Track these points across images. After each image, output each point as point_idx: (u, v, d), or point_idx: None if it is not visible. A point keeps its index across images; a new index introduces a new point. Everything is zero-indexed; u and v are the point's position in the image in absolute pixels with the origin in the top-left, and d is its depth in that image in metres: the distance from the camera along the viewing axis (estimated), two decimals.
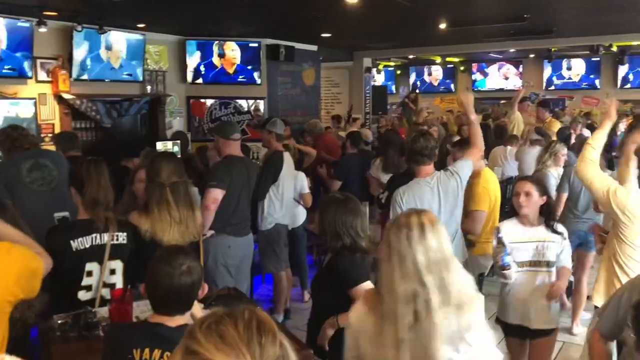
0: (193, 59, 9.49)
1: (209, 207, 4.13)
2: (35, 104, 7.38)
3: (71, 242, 2.85)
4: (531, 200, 3.29)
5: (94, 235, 2.91)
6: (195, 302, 2.13)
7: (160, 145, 8.36)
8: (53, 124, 7.60)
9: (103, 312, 2.79)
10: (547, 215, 3.34)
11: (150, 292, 2.04)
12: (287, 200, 5.27)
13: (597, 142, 3.38)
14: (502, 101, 12.39)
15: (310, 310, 3.08)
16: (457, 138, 5.96)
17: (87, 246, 2.89)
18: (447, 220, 3.69)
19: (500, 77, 15.94)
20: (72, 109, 7.76)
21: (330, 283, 2.85)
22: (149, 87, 8.87)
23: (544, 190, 3.34)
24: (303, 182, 5.68)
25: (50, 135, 7.48)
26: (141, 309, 2.76)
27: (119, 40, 8.19)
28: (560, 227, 3.36)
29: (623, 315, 2.27)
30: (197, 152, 6.77)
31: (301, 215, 5.78)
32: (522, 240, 3.29)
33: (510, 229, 3.35)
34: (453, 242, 3.65)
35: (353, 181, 6.19)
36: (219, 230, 4.33)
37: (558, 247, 3.31)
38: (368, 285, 2.75)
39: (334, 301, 2.79)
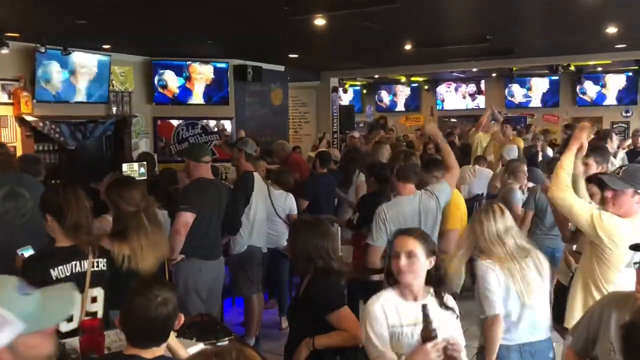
0: (159, 80, 9.41)
1: (179, 232, 4.05)
2: None
3: (51, 270, 2.73)
4: (416, 264, 2.41)
5: (74, 262, 2.80)
6: (171, 332, 2.09)
7: (126, 167, 8.24)
8: (14, 147, 7.39)
9: (73, 343, 2.69)
10: (435, 283, 2.51)
11: (126, 324, 1.99)
12: (259, 222, 5.20)
13: (566, 165, 3.19)
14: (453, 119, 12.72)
15: (288, 335, 3.05)
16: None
17: (68, 274, 2.77)
18: None
19: (459, 96, 16.32)
20: (35, 131, 7.58)
21: (308, 309, 2.83)
22: (114, 108, 8.76)
23: (432, 248, 2.50)
24: (292, 203, 5.64)
25: None
26: (112, 339, 2.68)
27: (83, 61, 8.08)
28: (451, 301, 2.55)
29: (594, 332, 2.31)
30: (161, 174, 6.65)
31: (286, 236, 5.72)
32: (406, 323, 2.39)
33: (390, 306, 2.43)
34: None
35: (322, 201, 6.18)
36: (189, 254, 4.23)
37: (450, 328, 2.42)
38: (345, 310, 2.75)
39: (312, 326, 2.77)
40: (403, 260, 2.41)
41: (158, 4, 5.63)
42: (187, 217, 4.09)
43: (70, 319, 2.77)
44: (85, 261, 2.83)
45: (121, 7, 5.72)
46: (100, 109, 8.59)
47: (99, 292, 2.88)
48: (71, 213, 2.78)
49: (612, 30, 7.69)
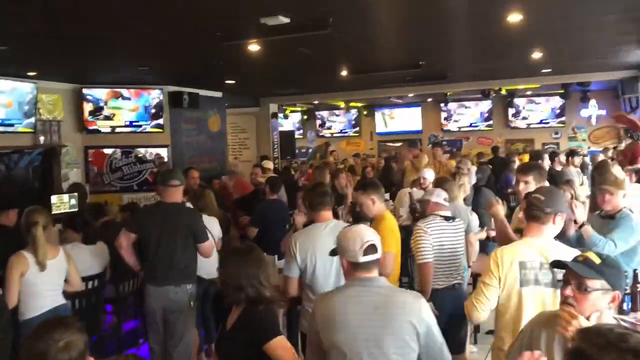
0: (90, 108, 9.10)
1: (118, 246, 4.31)
2: None
3: None
4: None
5: None
6: None
7: (55, 199, 7.88)
8: None
9: None
10: None
11: None
12: None
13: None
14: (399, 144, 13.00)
15: None
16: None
17: None
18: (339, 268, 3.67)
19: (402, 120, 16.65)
20: None
21: (240, 340, 2.71)
22: (42, 138, 8.38)
23: None
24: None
25: None
26: None
27: (6, 89, 7.70)
28: None
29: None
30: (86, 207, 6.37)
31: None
32: None
33: None
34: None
35: (273, 228, 5.98)
36: (144, 277, 4.37)
37: None
38: (281, 340, 2.65)
39: (245, 357, 2.66)
40: None
41: (84, 29, 5.44)
42: (121, 234, 4.32)
43: None
44: None
45: (45, 32, 5.50)
46: (27, 139, 8.20)
47: None
48: None
49: (537, 55, 8.03)
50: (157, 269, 4.27)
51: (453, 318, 3.95)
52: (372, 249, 2.48)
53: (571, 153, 9.11)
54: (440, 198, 4.36)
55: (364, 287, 2.48)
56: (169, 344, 4.28)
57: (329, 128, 17.70)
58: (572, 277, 2.17)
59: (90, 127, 9.14)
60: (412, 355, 2.40)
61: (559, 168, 8.04)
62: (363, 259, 2.47)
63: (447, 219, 4.27)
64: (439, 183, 5.36)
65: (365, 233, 2.54)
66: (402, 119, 16.58)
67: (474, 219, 5.37)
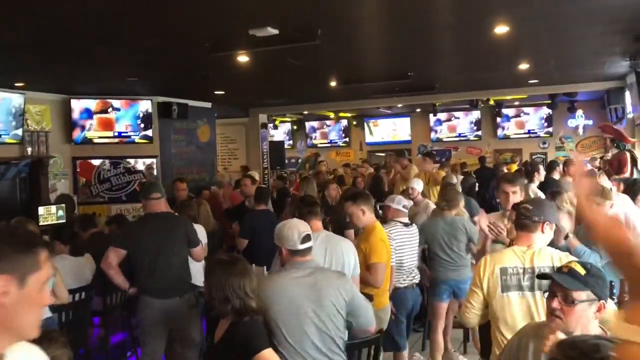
0: (78, 118, 9.06)
1: (103, 267, 4.20)
2: None
3: None
4: None
5: None
6: None
7: (42, 210, 7.82)
8: None
9: None
10: None
11: None
12: None
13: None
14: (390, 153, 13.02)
15: None
16: None
17: None
18: None
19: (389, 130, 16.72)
20: None
21: (228, 353, 2.70)
22: (29, 149, 8.32)
23: None
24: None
25: None
26: None
27: None
28: None
29: None
30: (77, 218, 6.31)
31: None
32: None
33: None
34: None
35: (262, 239, 5.98)
36: (140, 291, 4.27)
37: None
38: (269, 352, 2.64)
39: None
40: None
41: (71, 40, 5.43)
42: (110, 252, 4.21)
43: None
44: None
45: (32, 44, 5.48)
46: (14, 150, 8.13)
47: None
48: None
49: (524, 66, 8.11)
50: (157, 281, 4.21)
51: (411, 314, 4.56)
52: (307, 238, 2.96)
53: (567, 163, 9.17)
54: (399, 205, 4.60)
55: (299, 269, 2.92)
56: (184, 348, 4.29)
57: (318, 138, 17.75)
58: (558, 289, 2.17)
59: (79, 138, 9.09)
60: (342, 321, 2.90)
61: (556, 176, 8.06)
62: (301, 246, 2.93)
63: (406, 225, 4.55)
64: (445, 194, 5.34)
65: (301, 225, 3.04)
66: (388, 128, 16.66)
67: (473, 228, 5.35)
